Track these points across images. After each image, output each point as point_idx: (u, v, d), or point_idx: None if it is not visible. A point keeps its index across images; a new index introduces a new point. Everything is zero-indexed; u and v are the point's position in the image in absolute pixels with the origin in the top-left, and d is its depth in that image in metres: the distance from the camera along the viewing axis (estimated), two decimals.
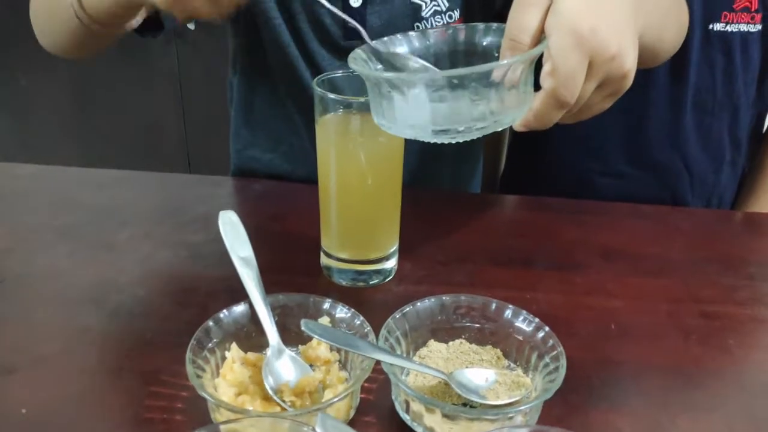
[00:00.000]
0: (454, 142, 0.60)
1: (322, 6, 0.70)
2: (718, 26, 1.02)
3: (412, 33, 0.70)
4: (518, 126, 0.61)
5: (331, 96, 0.70)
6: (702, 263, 0.85)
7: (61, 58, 0.97)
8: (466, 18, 1.01)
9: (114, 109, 2.37)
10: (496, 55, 0.65)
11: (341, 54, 1.00)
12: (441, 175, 1.11)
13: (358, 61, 0.64)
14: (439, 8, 0.98)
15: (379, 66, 0.67)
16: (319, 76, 0.73)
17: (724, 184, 1.16)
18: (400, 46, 0.69)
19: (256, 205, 0.98)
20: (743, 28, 1.02)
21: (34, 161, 1.07)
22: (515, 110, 0.60)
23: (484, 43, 0.67)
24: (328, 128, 0.73)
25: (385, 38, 0.69)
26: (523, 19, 0.59)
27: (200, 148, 2.39)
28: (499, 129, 0.60)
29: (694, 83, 1.05)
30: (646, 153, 1.10)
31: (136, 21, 0.86)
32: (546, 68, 0.57)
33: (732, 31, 1.02)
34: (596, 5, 0.58)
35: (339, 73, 0.75)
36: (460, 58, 0.69)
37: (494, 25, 0.66)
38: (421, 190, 1.04)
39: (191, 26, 2.12)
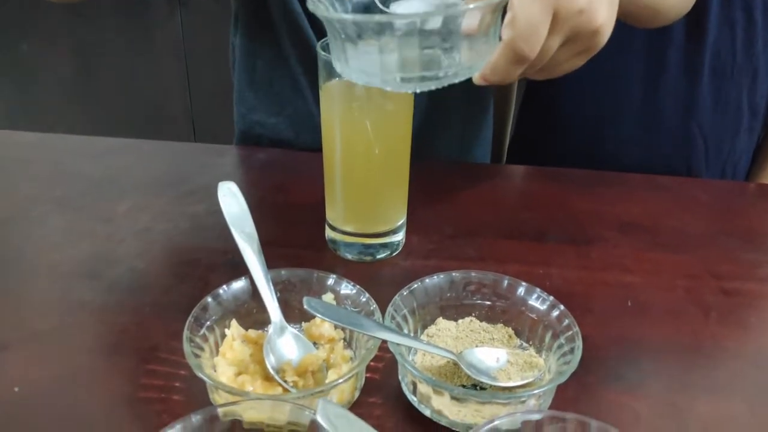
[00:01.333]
0: (417, 91, 0.58)
1: None
2: None
3: None
4: (476, 79, 0.57)
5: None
6: (721, 237, 0.82)
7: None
8: None
9: (118, 77, 2.34)
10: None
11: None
12: (449, 142, 1.09)
13: (317, 3, 0.60)
14: None
15: (341, 8, 0.64)
16: (323, 39, 0.69)
17: (740, 152, 1.12)
18: None
19: (259, 175, 0.95)
20: None
21: (37, 128, 1.05)
22: (478, 62, 0.57)
23: None
24: (332, 95, 0.70)
25: None
26: None
27: (205, 117, 2.36)
28: (460, 80, 0.57)
29: (712, 44, 1.01)
30: (659, 118, 1.07)
31: None
32: (506, 18, 0.53)
33: None
34: None
35: None
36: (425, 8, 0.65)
37: None
38: (428, 160, 1.02)
39: None
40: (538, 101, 1.18)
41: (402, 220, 0.77)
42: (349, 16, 0.59)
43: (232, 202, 0.66)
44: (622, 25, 1.00)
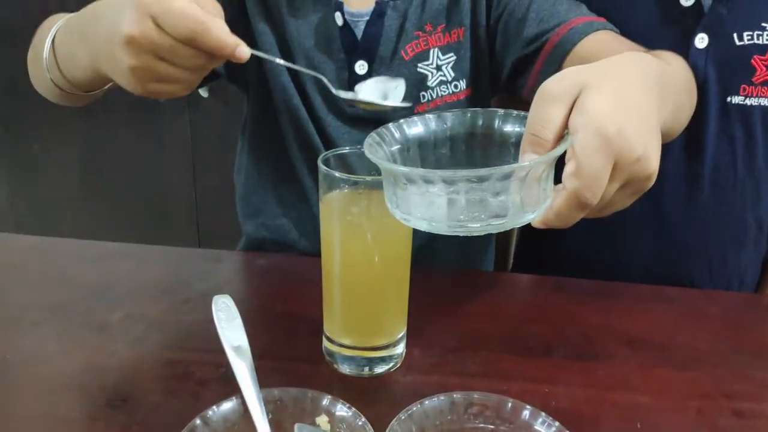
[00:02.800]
0: (470, 236, 0.57)
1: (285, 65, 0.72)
2: (736, 99, 0.98)
3: (429, 115, 0.68)
4: (537, 223, 0.58)
5: (337, 174, 0.66)
6: (732, 354, 0.80)
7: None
8: (472, 89, 1.00)
9: (125, 177, 2.36)
10: (512, 141, 0.63)
11: (347, 121, 0.99)
12: (451, 251, 1.08)
13: (374, 146, 0.62)
14: (444, 78, 0.97)
15: (395, 147, 0.65)
16: (324, 153, 0.70)
17: (745, 265, 1.10)
18: (416, 126, 0.67)
19: (259, 282, 0.93)
20: (764, 102, 0.98)
21: (44, 227, 1.05)
22: (534, 207, 0.57)
23: (503, 130, 0.65)
24: (332, 206, 0.69)
25: (401, 120, 0.66)
26: (547, 114, 0.56)
27: (211, 218, 2.37)
28: (517, 226, 0.58)
29: (711, 158, 1.01)
30: (661, 230, 1.06)
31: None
32: (570, 168, 0.55)
33: (752, 105, 0.98)
34: (624, 105, 0.56)
35: (347, 150, 0.72)
36: (476, 143, 0.67)
37: (514, 112, 0.64)
38: (430, 268, 1.00)
39: (204, 94, 2.12)
40: None
41: (402, 333, 0.75)
42: (399, 168, 0.59)
43: (226, 316, 0.64)
44: None
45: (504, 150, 0.65)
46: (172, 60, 0.64)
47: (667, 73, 0.71)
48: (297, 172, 1.03)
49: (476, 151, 0.67)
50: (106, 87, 0.84)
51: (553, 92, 0.57)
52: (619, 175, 0.56)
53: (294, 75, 0.97)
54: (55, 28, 0.80)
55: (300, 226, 1.06)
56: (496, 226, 0.56)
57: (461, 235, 0.57)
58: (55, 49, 0.80)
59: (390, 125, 0.65)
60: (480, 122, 0.66)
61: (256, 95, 1.03)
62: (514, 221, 0.56)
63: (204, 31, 0.61)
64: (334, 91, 0.77)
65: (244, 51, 0.65)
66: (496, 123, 0.65)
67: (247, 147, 1.08)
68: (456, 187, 0.54)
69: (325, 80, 0.76)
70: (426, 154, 0.67)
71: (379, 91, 0.81)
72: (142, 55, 0.63)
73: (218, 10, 0.66)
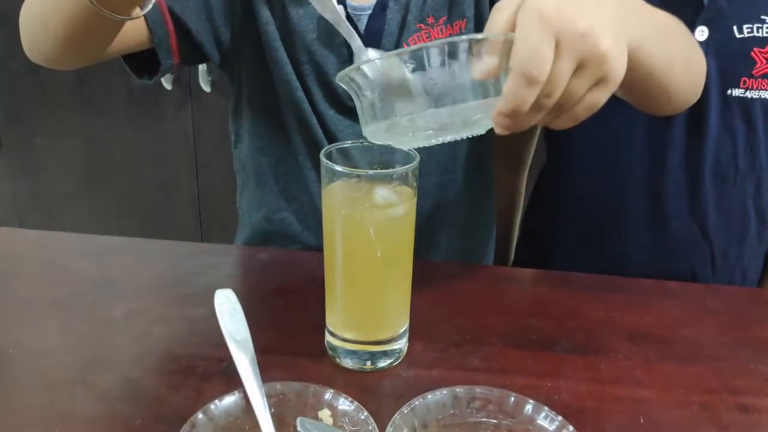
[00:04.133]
0: (436, 142, 0.62)
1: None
2: (737, 92, 0.98)
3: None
4: (494, 117, 0.58)
5: (339, 168, 0.66)
6: (735, 348, 0.79)
7: (45, 64, 0.92)
8: None
9: (127, 171, 2.36)
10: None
11: (348, 114, 0.98)
12: (451, 244, 1.08)
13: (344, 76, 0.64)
14: None
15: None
16: (326, 147, 0.70)
17: (749, 259, 1.10)
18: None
19: (260, 276, 0.93)
20: (764, 95, 0.98)
21: (46, 221, 1.05)
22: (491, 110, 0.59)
23: None
24: (334, 200, 0.69)
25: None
26: (492, 21, 0.59)
27: (213, 211, 2.37)
28: (481, 131, 0.61)
29: (713, 150, 1.01)
30: (663, 222, 1.06)
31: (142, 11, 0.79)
32: (513, 49, 0.55)
33: (752, 98, 0.98)
34: (570, 1, 0.56)
35: (349, 143, 0.72)
36: None
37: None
38: (432, 262, 1.00)
39: (206, 88, 2.12)
40: (541, 205, 1.18)
41: (404, 327, 0.75)
42: (365, 59, 0.66)
43: (228, 310, 0.64)
44: (621, 121, 1.01)
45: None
46: None
47: (647, 6, 0.71)
48: (300, 165, 1.03)
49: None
50: (130, 17, 0.78)
51: (500, 4, 0.60)
52: (566, 52, 0.55)
53: (297, 68, 0.97)
54: None
55: (302, 219, 1.06)
56: (459, 128, 0.61)
57: (433, 142, 0.62)
58: None
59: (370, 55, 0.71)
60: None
61: (255, 89, 1.02)
62: (477, 127, 0.61)
63: None
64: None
65: None
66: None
67: (246, 140, 1.08)
68: (416, 73, 0.58)
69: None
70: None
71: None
72: None
73: None
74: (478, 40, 0.57)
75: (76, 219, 2.42)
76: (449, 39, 0.57)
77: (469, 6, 0.96)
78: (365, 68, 0.60)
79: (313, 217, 1.04)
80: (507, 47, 0.57)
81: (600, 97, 0.60)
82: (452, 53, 0.57)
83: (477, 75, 0.58)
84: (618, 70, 0.57)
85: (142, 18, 0.87)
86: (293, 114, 0.99)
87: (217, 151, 2.22)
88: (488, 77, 0.58)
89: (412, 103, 0.59)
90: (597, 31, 0.55)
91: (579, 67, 0.56)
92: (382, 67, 0.59)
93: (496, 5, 0.60)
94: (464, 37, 0.57)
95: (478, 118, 0.60)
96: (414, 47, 0.57)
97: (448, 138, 0.63)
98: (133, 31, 0.89)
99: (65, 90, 2.23)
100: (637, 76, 0.72)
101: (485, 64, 0.58)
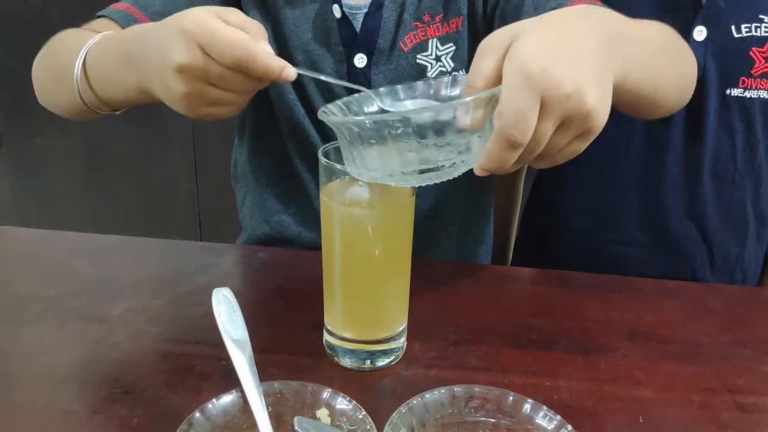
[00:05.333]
0: (418, 184, 0.61)
1: (326, 80, 0.75)
2: (735, 91, 0.98)
3: (381, 89, 0.71)
4: (476, 169, 0.59)
5: (337, 166, 0.66)
6: (735, 347, 0.79)
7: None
8: None
9: (127, 171, 2.36)
10: None
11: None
12: (450, 243, 1.08)
13: (329, 113, 0.65)
14: (444, 69, 0.97)
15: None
16: (324, 146, 0.69)
17: (748, 259, 1.10)
18: (372, 105, 0.70)
19: (259, 276, 0.93)
20: (763, 95, 0.98)
21: (46, 221, 1.05)
22: (478, 155, 0.59)
23: (452, 95, 0.69)
24: (332, 199, 0.69)
25: (356, 95, 0.70)
26: (479, 65, 0.58)
27: (212, 211, 2.37)
28: (459, 173, 0.61)
29: (712, 150, 1.01)
30: (662, 222, 1.06)
31: None
32: (497, 109, 0.55)
33: (751, 98, 0.98)
34: (555, 48, 0.55)
35: None
36: None
37: (459, 75, 0.68)
38: (431, 261, 1.00)
39: None
40: (540, 205, 1.18)
41: (402, 326, 0.75)
42: (351, 119, 0.63)
43: (227, 309, 0.64)
44: (619, 126, 1.01)
45: None
46: (222, 85, 0.66)
47: (635, 27, 0.70)
48: (296, 167, 1.03)
49: None
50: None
51: (487, 44, 0.58)
52: (550, 113, 0.55)
53: None
54: (84, 49, 0.80)
55: (301, 221, 1.06)
56: (442, 172, 0.60)
57: (405, 185, 0.62)
58: (87, 70, 0.80)
59: (346, 100, 0.69)
60: (431, 92, 0.69)
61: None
62: (453, 169, 0.60)
63: (250, 57, 0.63)
64: (368, 91, 0.74)
65: (290, 72, 0.66)
66: (443, 90, 0.68)
67: (246, 143, 1.08)
68: (391, 136, 0.57)
69: (371, 94, 0.73)
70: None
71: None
72: (194, 83, 0.65)
73: (263, 32, 0.68)
74: (466, 103, 0.57)
75: (75, 218, 2.42)
76: (435, 107, 0.57)
77: (463, 4, 0.95)
78: (353, 125, 0.60)
79: (310, 219, 1.04)
80: (493, 100, 0.57)
81: (580, 147, 0.60)
82: (441, 120, 0.57)
83: (462, 127, 0.58)
84: (601, 122, 0.57)
85: None
86: (287, 117, 1.00)
87: (217, 150, 2.21)
88: (472, 128, 0.58)
89: (398, 157, 0.59)
90: (583, 89, 0.55)
91: (562, 124, 0.56)
92: (371, 127, 0.59)
93: (483, 45, 0.59)
94: (453, 103, 0.57)
95: (460, 165, 0.60)
96: (404, 113, 0.58)
97: (429, 182, 0.62)
98: None
99: None
100: (625, 99, 0.72)
101: (470, 119, 0.57)
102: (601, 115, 0.56)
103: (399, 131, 0.57)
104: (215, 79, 0.65)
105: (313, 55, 0.95)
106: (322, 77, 0.76)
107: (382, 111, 0.70)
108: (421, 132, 0.57)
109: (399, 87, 0.71)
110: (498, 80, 0.56)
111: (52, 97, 0.91)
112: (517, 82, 0.53)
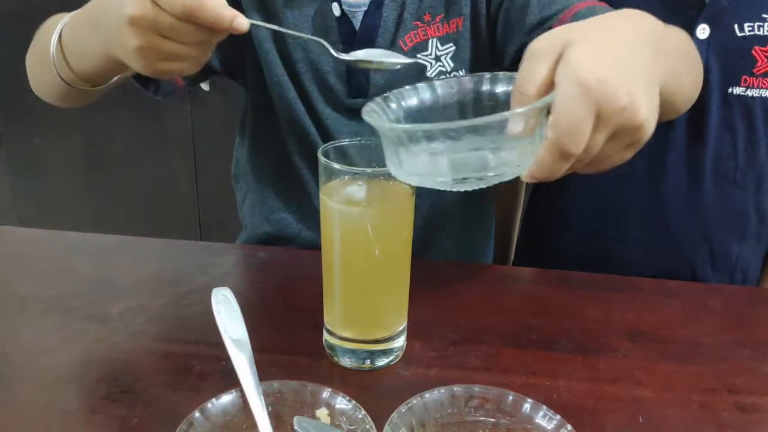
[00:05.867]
0: (467, 189, 0.59)
1: (281, 30, 0.75)
2: (737, 90, 0.98)
3: (420, 84, 0.69)
4: (524, 177, 0.58)
5: (336, 166, 0.66)
6: (735, 347, 0.79)
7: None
8: None
9: (127, 170, 2.35)
10: (503, 101, 0.64)
11: (346, 112, 0.98)
12: (451, 242, 1.07)
13: (371, 113, 0.63)
14: (444, 68, 0.97)
15: (392, 118, 0.66)
16: (324, 146, 0.69)
17: (748, 259, 1.10)
18: (410, 98, 0.68)
19: (259, 275, 0.93)
20: (765, 93, 0.98)
21: (46, 220, 1.05)
22: (525, 160, 0.58)
23: (493, 92, 0.67)
24: (332, 199, 0.69)
25: (395, 90, 0.67)
26: (531, 70, 0.56)
27: (212, 210, 2.36)
28: (509, 178, 0.59)
29: (713, 149, 1.01)
30: (663, 221, 1.05)
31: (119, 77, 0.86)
32: (550, 118, 0.54)
33: (753, 96, 0.98)
34: (609, 56, 0.55)
35: (346, 141, 0.72)
36: (468, 108, 0.68)
37: (500, 73, 0.66)
38: (431, 261, 1.00)
39: (206, 87, 2.11)
40: (541, 204, 1.18)
41: (402, 326, 0.74)
42: (400, 126, 0.61)
43: (226, 309, 0.64)
44: None
45: (497, 111, 0.65)
46: (175, 38, 0.65)
47: (668, 33, 0.70)
48: (296, 165, 1.03)
49: (469, 115, 0.67)
50: (112, 81, 0.85)
51: (538, 49, 0.57)
52: (605, 125, 0.54)
53: (289, 68, 0.97)
54: (60, 24, 0.81)
55: (301, 219, 1.06)
56: (491, 178, 0.58)
57: (458, 189, 0.59)
58: (63, 45, 0.80)
59: (386, 95, 0.67)
60: (470, 87, 0.67)
61: (253, 90, 1.02)
62: (503, 175, 0.58)
63: (199, 6, 0.63)
64: (334, 53, 0.76)
65: (241, 22, 0.65)
66: (485, 86, 0.66)
67: (246, 142, 1.08)
68: (447, 140, 0.56)
69: (325, 43, 0.76)
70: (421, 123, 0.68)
71: (377, 54, 0.81)
72: (147, 35, 0.64)
73: None
74: (524, 113, 0.56)
75: (75, 218, 2.41)
76: (494, 118, 0.55)
77: (465, 4, 0.95)
78: (402, 132, 0.59)
79: (311, 218, 1.04)
80: (544, 108, 0.56)
81: (627, 156, 0.60)
82: (495, 127, 0.56)
83: (513, 134, 0.57)
84: (649, 133, 0.57)
85: None
86: (286, 115, 0.99)
87: (217, 149, 2.21)
88: (523, 135, 0.57)
89: (447, 163, 0.58)
90: (636, 101, 0.55)
91: (613, 135, 0.56)
92: (422, 135, 0.58)
93: (534, 49, 0.58)
94: (512, 113, 0.56)
95: (509, 171, 0.59)
96: (460, 123, 0.56)
97: (475, 186, 0.61)
98: None
99: None
100: None
101: (523, 126, 0.56)
102: (650, 126, 0.57)
103: (451, 139, 0.56)
104: (166, 31, 0.64)
105: (312, 53, 0.95)
106: (277, 28, 0.76)
107: (422, 105, 0.69)
108: (472, 139, 0.56)
109: (437, 82, 0.69)
110: (549, 87, 0.56)
111: (41, 82, 0.91)
112: (573, 92, 0.53)
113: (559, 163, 0.55)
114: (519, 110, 0.55)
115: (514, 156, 0.58)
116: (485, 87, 0.67)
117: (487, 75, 0.66)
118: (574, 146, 0.54)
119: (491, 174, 0.58)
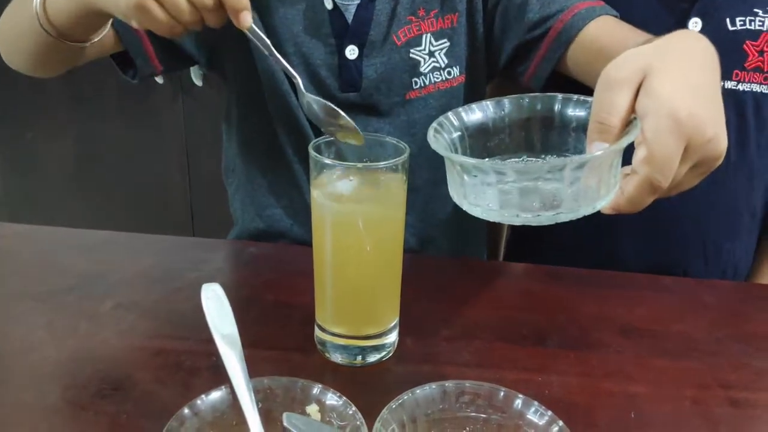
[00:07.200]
0: (538, 224, 0.58)
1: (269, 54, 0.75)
2: (729, 84, 0.98)
3: (486, 101, 0.68)
4: (608, 210, 0.58)
5: (327, 161, 0.66)
6: (727, 342, 0.79)
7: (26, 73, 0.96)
8: (467, 76, 0.99)
9: (119, 166, 2.35)
10: (573, 126, 0.63)
11: (338, 106, 0.97)
12: (444, 240, 1.07)
13: (436, 136, 0.62)
14: (438, 64, 0.96)
15: (455, 135, 0.65)
16: (315, 140, 0.69)
17: (740, 254, 1.10)
18: (474, 114, 0.67)
19: (250, 271, 0.93)
20: (756, 88, 0.98)
21: (37, 216, 1.04)
22: (604, 194, 0.57)
23: (564, 115, 0.65)
24: (323, 193, 0.68)
25: (459, 108, 0.67)
26: (612, 100, 0.56)
27: (205, 206, 2.36)
28: (587, 214, 0.57)
29: None
30: (655, 217, 1.05)
31: (99, 36, 0.87)
32: (641, 153, 0.54)
33: (744, 91, 0.98)
34: (691, 87, 0.56)
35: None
36: (535, 128, 0.67)
37: (574, 97, 0.64)
38: (422, 256, 0.99)
39: (198, 82, 2.11)
40: None
41: (394, 322, 0.74)
42: (471, 161, 0.59)
43: (216, 305, 0.64)
44: None
45: (564, 135, 0.65)
46: (170, 9, 0.67)
47: (715, 52, 0.71)
48: (287, 158, 1.02)
49: (534, 136, 0.67)
50: (88, 42, 0.85)
51: (617, 78, 0.57)
52: (691, 157, 0.55)
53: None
54: None
55: (292, 214, 1.05)
56: (567, 215, 0.56)
57: (533, 224, 0.57)
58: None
59: (449, 113, 0.66)
60: (539, 107, 0.66)
61: (242, 83, 1.01)
62: (584, 209, 0.57)
63: None
64: (304, 91, 0.79)
65: (247, 18, 0.67)
66: (556, 107, 0.65)
67: (235, 136, 1.08)
68: (527, 177, 0.55)
69: (300, 85, 0.79)
70: (485, 140, 0.67)
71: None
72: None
73: None
74: (615, 151, 0.55)
75: (67, 214, 2.40)
76: (587, 156, 0.55)
77: (461, 0, 0.95)
78: (472, 166, 0.57)
79: (302, 212, 1.03)
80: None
81: (697, 182, 0.61)
82: (578, 167, 0.55)
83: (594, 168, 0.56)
84: (721, 161, 0.58)
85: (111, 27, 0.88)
86: (279, 107, 0.99)
87: (209, 145, 2.20)
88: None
89: (518, 199, 0.56)
90: (720, 134, 0.56)
91: (695, 164, 0.57)
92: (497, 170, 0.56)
93: (611, 77, 0.57)
94: (603, 152, 0.55)
95: (583, 206, 0.58)
96: (544, 163, 0.57)
97: (548, 222, 0.59)
98: (107, 39, 0.89)
99: (56, 85, 2.21)
100: None
101: (609, 163, 0.56)
102: (724, 154, 0.58)
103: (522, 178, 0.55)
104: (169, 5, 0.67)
105: (304, 46, 0.95)
106: (268, 44, 0.75)
107: (484, 125, 0.67)
108: (551, 177, 0.55)
109: (506, 99, 0.67)
110: (630, 115, 0.56)
111: (14, 44, 0.90)
112: (666, 126, 0.53)
113: (648, 196, 0.56)
114: (615, 147, 0.55)
115: (588, 189, 0.56)
116: (556, 108, 0.66)
117: (559, 96, 0.65)
118: (665, 180, 0.54)
119: (562, 211, 0.57)
